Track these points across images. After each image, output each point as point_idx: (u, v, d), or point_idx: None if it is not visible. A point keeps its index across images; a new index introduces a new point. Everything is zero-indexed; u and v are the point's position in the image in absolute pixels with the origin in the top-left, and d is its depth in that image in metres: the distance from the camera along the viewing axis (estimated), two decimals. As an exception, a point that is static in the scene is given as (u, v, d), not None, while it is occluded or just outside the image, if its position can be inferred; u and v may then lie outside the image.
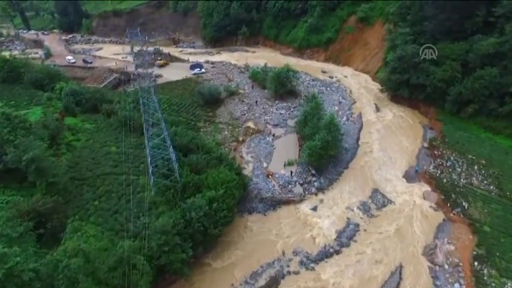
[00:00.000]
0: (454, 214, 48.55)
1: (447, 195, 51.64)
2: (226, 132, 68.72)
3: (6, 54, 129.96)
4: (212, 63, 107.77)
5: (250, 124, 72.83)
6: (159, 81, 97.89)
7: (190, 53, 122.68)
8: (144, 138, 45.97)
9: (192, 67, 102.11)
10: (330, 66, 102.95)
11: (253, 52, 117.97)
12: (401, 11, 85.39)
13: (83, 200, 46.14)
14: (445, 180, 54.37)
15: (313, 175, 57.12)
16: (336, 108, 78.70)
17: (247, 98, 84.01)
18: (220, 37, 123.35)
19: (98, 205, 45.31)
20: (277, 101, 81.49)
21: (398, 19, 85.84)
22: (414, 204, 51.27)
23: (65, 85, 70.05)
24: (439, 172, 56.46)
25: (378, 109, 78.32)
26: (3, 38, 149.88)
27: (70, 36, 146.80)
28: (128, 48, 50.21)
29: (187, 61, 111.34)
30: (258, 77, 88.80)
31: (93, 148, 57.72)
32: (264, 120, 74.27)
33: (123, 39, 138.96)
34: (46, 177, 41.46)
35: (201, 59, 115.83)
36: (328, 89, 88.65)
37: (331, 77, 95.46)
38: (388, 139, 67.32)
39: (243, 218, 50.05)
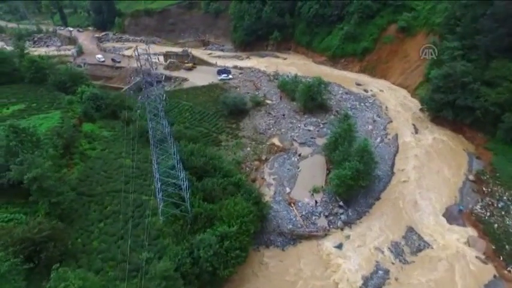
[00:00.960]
0: (509, 271, 41.23)
1: (499, 245, 44.23)
2: (248, 149, 64.04)
3: (44, 50, 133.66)
4: (240, 68, 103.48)
5: (275, 140, 67.74)
6: (185, 85, 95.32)
7: (218, 56, 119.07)
8: (154, 161, 41.76)
9: (219, 72, 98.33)
10: (365, 78, 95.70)
11: (284, 59, 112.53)
12: (449, 22, 76.94)
13: (88, 220, 43.00)
14: (496, 225, 46.87)
15: (340, 206, 51.32)
16: (370, 127, 72.05)
17: (274, 110, 78.94)
18: (250, 41, 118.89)
19: (102, 228, 42.00)
20: (305, 116, 75.84)
21: (445, 31, 77.48)
22: (457, 252, 44.33)
23: (87, 89, 68.00)
24: (488, 214, 48.95)
25: (416, 130, 70.87)
26: (42, 34, 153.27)
27: (103, 34, 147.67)
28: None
29: (214, 65, 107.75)
30: (287, 88, 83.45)
31: (107, 159, 54.90)
32: (291, 137, 68.93)
33: (152, 39, 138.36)
34: (49, 197, 38.51)
35: (229, 63, 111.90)
36: (362, 104, 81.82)
37: (366, 91, 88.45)
38: (427, 167, 60.08)
39: (258, 252, 45.21)
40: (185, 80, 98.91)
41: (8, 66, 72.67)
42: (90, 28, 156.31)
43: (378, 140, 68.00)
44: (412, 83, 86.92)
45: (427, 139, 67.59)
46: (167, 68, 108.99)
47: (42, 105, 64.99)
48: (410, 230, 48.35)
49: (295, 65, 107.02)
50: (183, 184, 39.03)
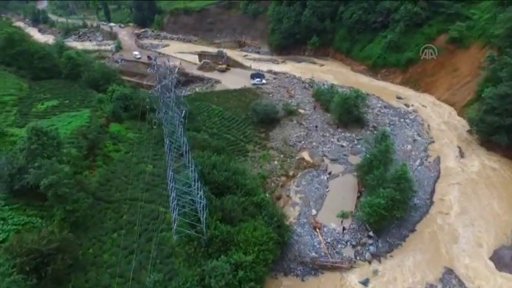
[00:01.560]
0: None
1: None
2: (276, 162, 60.68)
3: (87, 44, 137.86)
4: (275, 73, 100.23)
5: (305, 155, 63.88)
6: (217, 87, 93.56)
7: (254, 59, 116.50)
8: (169, 179, 39.31)
9: (253, 76, 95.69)
10: (406, 92, 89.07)
11: (321, 65, 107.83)
12: (511, 34, 69.18)
13: (102, 229, 41.76)
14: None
15: (369, 236, 46.76)
16: (409, 147, 66.29)
17: (306, 120, 75.04)
18: (287, 45, 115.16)
19: (115, 239, 40.53)
20: (339, 129, 71.26)
21: (505, 44, 69.40)
22: (505, 307, 38.62)
23: (117, 88, 67.70)
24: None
25: (461, 154, 64.14)
26: (86, 29, 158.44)
27: (142, 30, 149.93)
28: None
29: (249, 68, 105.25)
30: (322, 98, 79.12)
31: (129, 163, 53.77)
32: (322, 152, 64.75)
33: (189, 38, 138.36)
34: (64, 203, 37.47)
35: (263, 66, 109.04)
36: (402, 120, 75.83)
37: (407, 105, 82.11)
38: (473, 199, 53.71)
39: (276, 279, 41.83)
40: (218, 82, 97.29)
41: (48, 61, 74.25)
42: (130, 24, 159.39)
43: (417, 162, 62.22)
44: (460, 100, 79.45)
45: (474, 165, 60.78)
46: (201, 68, 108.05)
47: (73, 103, 65.50)
48: (449, 272, 42.93)
49: (332, 73, 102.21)
50: (200, 205, 36.47)
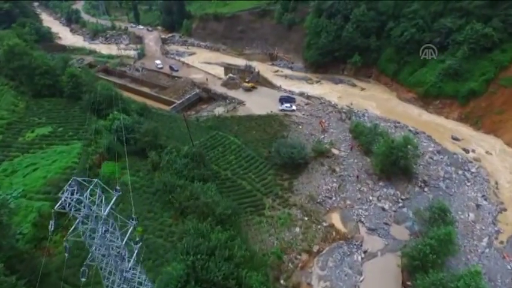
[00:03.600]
0: None
1: None
2: (298, 230, 48.30)
3: (112, 47, 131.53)
4: (307, 97, 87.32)
5: (335, 219, 50.99)
6: (239, 111, 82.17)
7: (285, 76, 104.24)
8: None
9: (282, 100, 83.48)
10: (465, 131, 73.42)
11: (362, 89, 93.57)
12: None
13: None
14: None
15: None
16: (471, 216, 51.68)
17: (341, 165, 61.97)
18: (324, 62, 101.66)
19: None
20: (380, 183, 57.64)
21: None
22: None
23: (118, 116, 58.07)
24: None
25: (547, 232, 48.93)
26: (114, 31, 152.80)
27: (169, 35, 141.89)
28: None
29: (278, 88, 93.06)
30: (362, 137, 65.47)
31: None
32: (357, 215, 51.59)
33: (218, 46, 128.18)
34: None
35: (295, 86, 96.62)
36: (460, 173, 60.85)
37: (466, 151, 66.83)
38: None
39: None
40: (241, 103, 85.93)
41: (51, 78, 66.31)
42: (159, 28, 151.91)
43: (484, 242, 47.65)
44: (539, 150, 63.49)
45: None
46: (225, 84, 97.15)
47: (67, 131, 56.90)
48: None
49: (374, 99, 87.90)
50: None
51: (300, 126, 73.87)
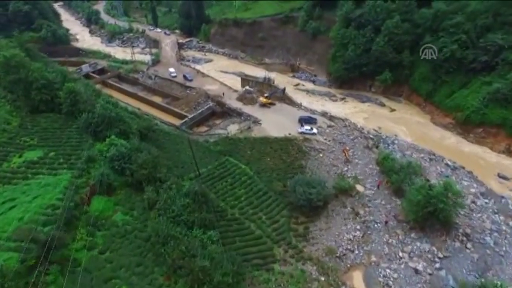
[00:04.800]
0: None
1: None
2: (311, 294, 40.43)
3: (128, 50, 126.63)
4: (330, 118, 78.72)
5: (358, 281, 42.69)
6: (254, 131, 74.63)
7: (307, 91, 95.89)
8: None
9: (302, 121, 75.58)
10: (515, 167, 63.38)
11: (391, 110, 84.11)
12: None
13: None
14: None
15: None
16: (530, 288, 42.06)
17: (365, 207, 53.45)
18: (350, 77, 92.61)
19: None
20: (413, 234, 48.66)
21: None
22: None
23: (116, 141, 51.60)
24: None
25: None
26: (131, 34, 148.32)
27: (187, 40, 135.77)
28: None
29: (298, 106, 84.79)
30: (392, 174, 56.41)
31: (98, 278, 36.95)
32: (383, 277, 43.02)
33: (236, 53, 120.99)
34: None
35: (317, 103, 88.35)
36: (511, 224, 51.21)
37: (518, 194, 56.87)
38: None
39: None
40: (257, 122, 78.32)
41: (50, 92, 60.75)
42: (177, 31, 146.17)
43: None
44: None
45: None
46: (241, 98, 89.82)
47: (58, 157, 50.67)
48: None
49: (405, 123, 78.58)
50: None
51: (321, 154, 65.57)
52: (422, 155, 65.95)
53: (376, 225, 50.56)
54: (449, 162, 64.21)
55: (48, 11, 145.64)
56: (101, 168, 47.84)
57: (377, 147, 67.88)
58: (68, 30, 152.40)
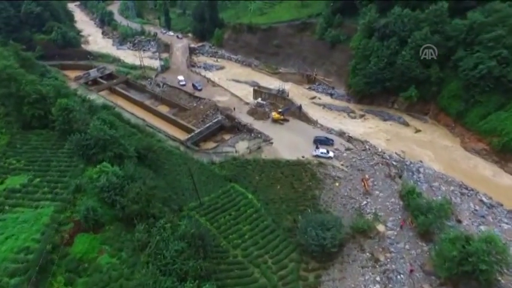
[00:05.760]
0: None
1: None
2: None
3: (138, 54, 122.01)
4: (348, 139, 71.54)
5: None
6: (264, 152, 68.58)
7: (323, 105, 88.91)
8: None
9: (317, 142, 69.14)
10: None
11: (417, 131, 76.42)
12: None
13: None
14: None
15: None
16: None
17: (387, 252, 46.57)
18: (371, 93, 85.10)
19: None
20: (444, 290, 41.60)
21: None
22: None
23: (108, 168, 46.18)
24: None
25: None
26: (143, 37, 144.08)
27: (199, 44, 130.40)
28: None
29: (314, 124, 77.80)
30: (417, 213, 49.14)
31: None
32: None
33: (250, 61, 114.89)
34: None
35: (334, 120, 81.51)
36: None
37: None
38: None
39: None
40: (268, 141, 72.07)
41: (43, 107, 56.03)
42: (189, 35, 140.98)
43: None
44: None
45: None
46: (252, 113, 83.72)
47: (43, 185, 45.60)
48: None
49: (431, 146, 71.09)
50: None
51: (337, 184, 58.80)
52: (452, 188, 58.37)
53: (399, 277, 43.61)
54: (484, 198, 56.50)
55: (60, 12, 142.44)
56: (88, 201, 42.48)
57: (400, 176, 60.53)
58: (79, 32, 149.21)
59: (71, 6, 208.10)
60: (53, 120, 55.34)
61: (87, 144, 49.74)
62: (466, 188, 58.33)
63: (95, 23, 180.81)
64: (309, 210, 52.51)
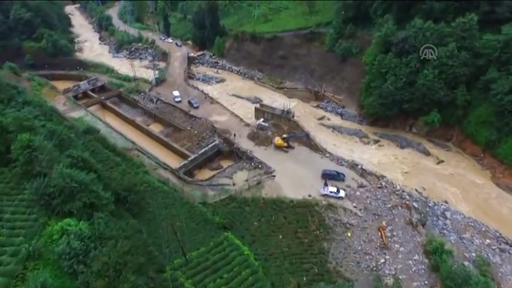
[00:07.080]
0: None
1: None
2: None
3: (135, 63, 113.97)
4: (362, 173, 62.46)
5: None
6: (264, 188, 59.93)
7: (333, 128, 79.63)
8: None
9: (326, 177, 60.51)
10: None
11: (439, 162, 66.72)
12: None
13: None
14: None
15: None
16: None
17: (412, 336, 37.57)
18: (387, 115, 75.68)
19: None
20: None
21: None
22: None
23: (72, 228, 37.78)
24: None
25: None
26: (140, 44, 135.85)
27: (199, 53, 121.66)
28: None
29: (322, 152, 68.80)
30: (449, 281, 40.01)
31: None
32: None
33: (252, 73, 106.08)
34: None
35: (345, 147, 72.65)
36: None
37: None
38: None
39: None
40: (269, 173, 63.41)
41: (4, 142, 47.93)
42: (189, 42, 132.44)
43: None
44: None
45: None
46: (252, 137, 75.07)
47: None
48: None
49: (457, 182, 61.67)
50: None
51: (349, 234, 49.98)
52: (488, 241, 49.13)
53: None
54: (529, 256, 47.19)
55: (54, 17, 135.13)
56: (43, 274, 34.11)
57: (423, 224, 51.44)
58: (73, 39, 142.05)
59: (71, 8, 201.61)
60: (14, 160, 47.17)
61: (49, 192, 41.47)
62: (507, 243, 48.97)
63: (93, 28, 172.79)
64: (315, 270, 44.00)
